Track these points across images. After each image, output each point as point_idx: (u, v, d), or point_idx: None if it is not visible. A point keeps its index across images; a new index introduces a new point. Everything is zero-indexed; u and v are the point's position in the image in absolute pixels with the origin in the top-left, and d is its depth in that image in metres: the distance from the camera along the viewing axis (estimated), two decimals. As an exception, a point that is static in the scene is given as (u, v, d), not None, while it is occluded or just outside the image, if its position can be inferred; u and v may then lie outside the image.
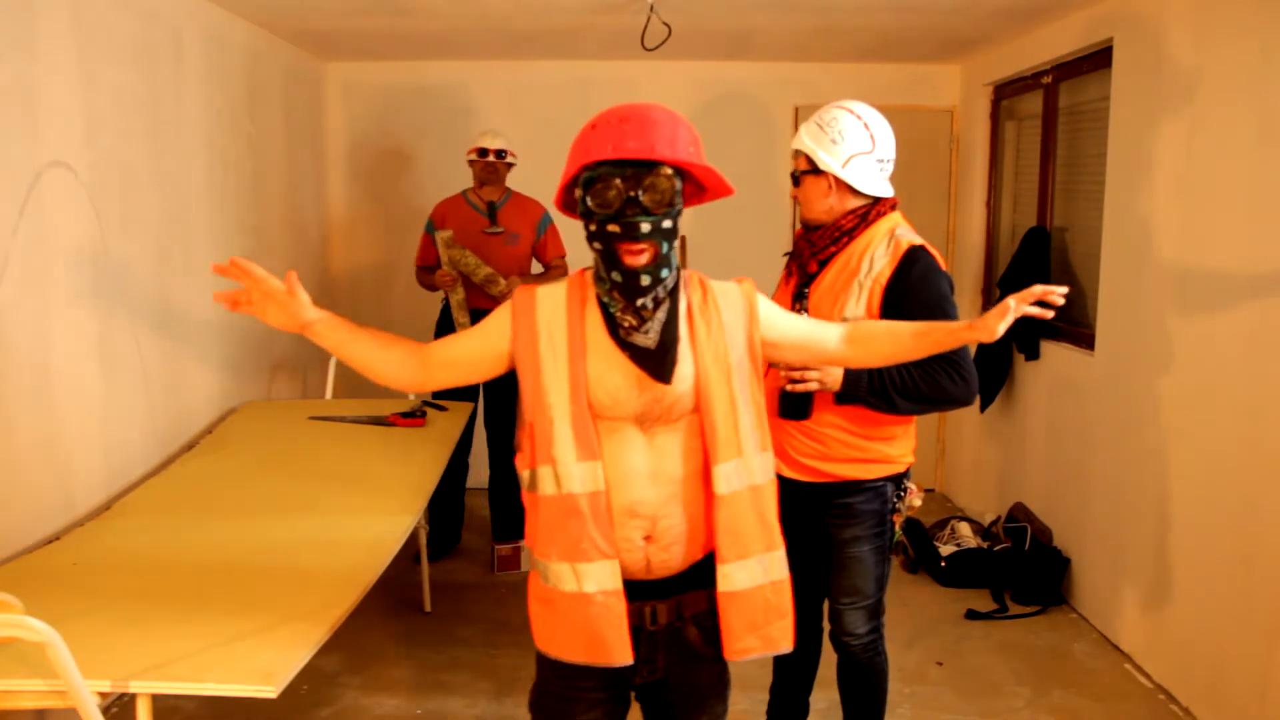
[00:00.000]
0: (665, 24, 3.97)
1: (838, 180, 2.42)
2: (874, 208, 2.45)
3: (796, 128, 5.38)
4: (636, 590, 1.75)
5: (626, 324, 1.70)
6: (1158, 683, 3.36)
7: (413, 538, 3.76)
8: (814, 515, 2.56)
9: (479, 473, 4.74)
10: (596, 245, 1.69)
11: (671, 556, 1.75)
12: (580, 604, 1.70)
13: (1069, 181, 4.32)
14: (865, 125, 2.42)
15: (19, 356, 2.74)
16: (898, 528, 2.57)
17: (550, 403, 1.70)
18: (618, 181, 1.63)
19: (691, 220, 5.18)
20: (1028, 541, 4.17)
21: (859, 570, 2.53)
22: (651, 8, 3.87)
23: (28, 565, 2.53)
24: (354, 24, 4.30)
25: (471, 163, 4.42)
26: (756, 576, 1.75)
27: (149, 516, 2.91)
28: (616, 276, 1.68)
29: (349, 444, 3.63)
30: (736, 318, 1.78)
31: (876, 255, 2.40)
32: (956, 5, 3.89)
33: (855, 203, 2.45)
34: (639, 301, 1.68)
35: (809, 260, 2.50)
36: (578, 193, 1.69)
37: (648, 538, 1.73)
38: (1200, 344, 3.16)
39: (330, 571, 2.44)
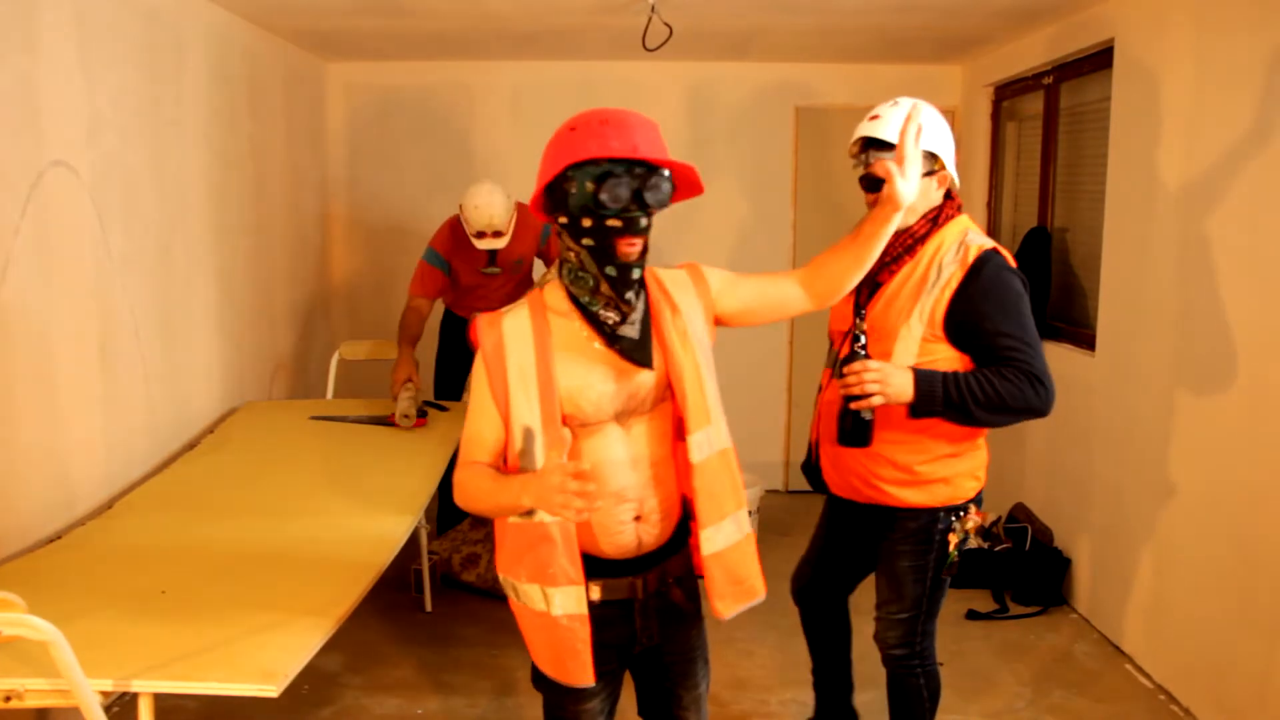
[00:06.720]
0: (666, 24, 3.97)
1: (938, 182, 2.34)
2: (942, 210, 2.35)
3: (797, 128, 5.39)
4: (627, 567, 1.85)
5: (611, 320, 1.76)
6: (1158, 683, 3.36)
7: (414, 546, 3.77)
8: (858, 525, 2.53)
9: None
10: (587, 241, 1.73)
11: (658, 531, 1.87)
12: (548, 624, 1.80)
13: (1070, 182, 4.32)
14: (944, 122, 2.39)
15: (20, 356, 2.74)
16: (952, 549, 2.40)
17: (519, 435, 1.76)
18: (628, 179, 1.68)
19: (691, 221, 5.19)
20: (1028, 542, 4.17)
21: (894, 582, 2.46)
22: (653, 8, 3.87)
23: (30, 564, 2.54)
24: (354, 24, 4.31)
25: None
26: (732, 535, 1.87)
27: (150, 515, 2.91)
28: (611, 271, 1.73)
29: (349, 444, 3.63)
30: (689, 298, 1.86)
31: (945, 261, 2.29)
32: (957, 6, 3.89)
33: (925, 206, 2.35)
34: (626, 295, 1.75)
35: (879, 270, 2.35)
36: (573, 189, 1.70)
37: (637, 518, 1.83)
38: (1200, 344, 3.16)
39: (331, 571, 2.44)
